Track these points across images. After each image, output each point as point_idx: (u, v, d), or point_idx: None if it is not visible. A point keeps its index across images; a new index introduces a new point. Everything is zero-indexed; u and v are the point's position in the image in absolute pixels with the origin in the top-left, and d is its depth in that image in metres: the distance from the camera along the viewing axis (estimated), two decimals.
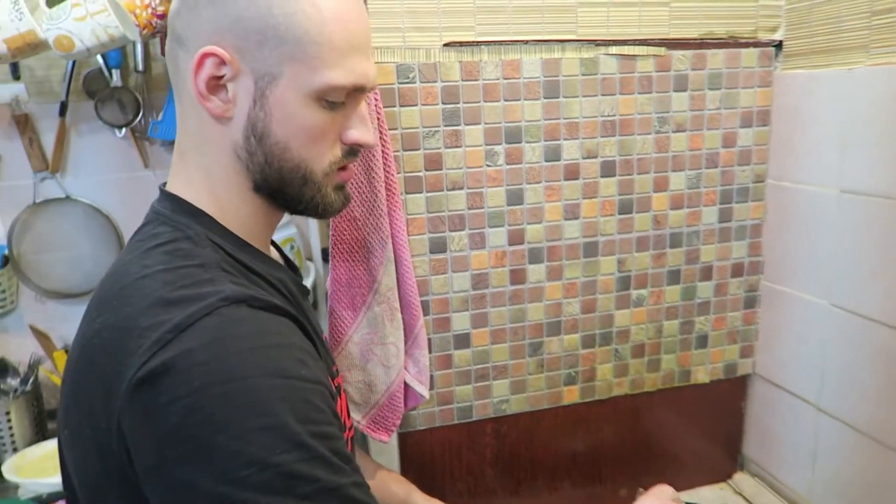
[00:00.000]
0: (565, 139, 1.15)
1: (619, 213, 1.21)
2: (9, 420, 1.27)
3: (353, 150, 0.68)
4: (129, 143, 1.48)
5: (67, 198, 1.49)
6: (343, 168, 0.69)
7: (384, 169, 1.04)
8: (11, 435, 1.27)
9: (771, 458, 1.33)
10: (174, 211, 0.64)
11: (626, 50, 1.14)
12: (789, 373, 1.26)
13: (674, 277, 1.27)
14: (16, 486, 1.16)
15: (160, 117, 1.49)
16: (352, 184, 1.04)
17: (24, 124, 1.43)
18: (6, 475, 1.17)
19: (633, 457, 1.33)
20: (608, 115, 1.16)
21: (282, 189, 0.65)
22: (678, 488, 0.95)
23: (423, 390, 1.13)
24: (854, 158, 1.06)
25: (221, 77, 0.60)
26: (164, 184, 0.69)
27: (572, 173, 1.17)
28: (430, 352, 1.16)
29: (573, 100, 1.14)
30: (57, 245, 1.48)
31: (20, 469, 1.19)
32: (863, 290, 1.07)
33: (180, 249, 0.60)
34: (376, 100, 1.03)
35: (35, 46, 1.15)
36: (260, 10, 0.58)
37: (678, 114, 1.19)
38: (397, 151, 1.09)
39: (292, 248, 1.57)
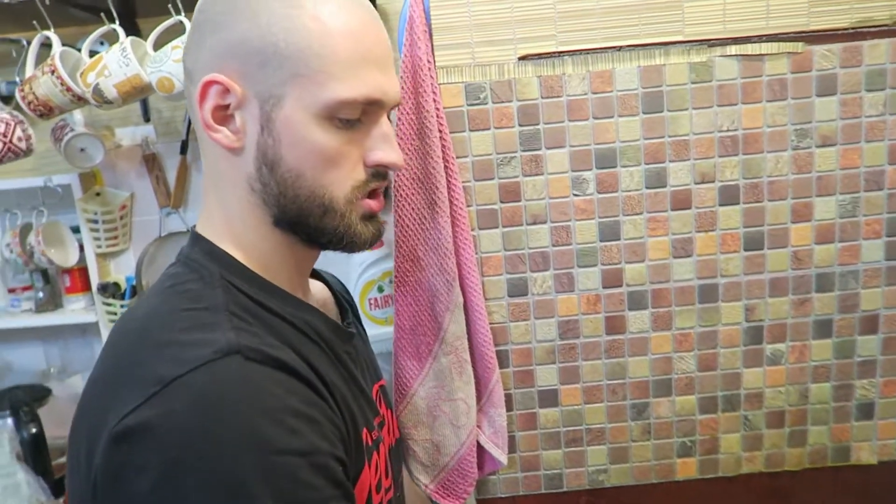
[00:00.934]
0: (672, 161, 0.96)
1: (746, 250, 0.98)
2: None
3: (378, 173, 0.61)
4: None
5: (189, 231, 1.56)
6: (371, 195, 0.61)
7: (450, 202, 0.93)
8: None
9: None
10: (193, 250, 0.62)
11: (751, 49, 0.93)
12: None
13: (823, 329, 1.00)
14: None
15: None
16: (413, 219, 0.94)
17: (152, 163, 1.51)
18: None
19: None
20: (728, 131, 0.95)
21: (302, 221, 0.59)
22: None
23: (501, 455, 0.99)
24: None
25: (227, 106, 0.56)
26: (192, 227, 0.67)
27: (682, 202, 0.97)
28: (509, 410, 1.02)
29: (681, 113, 0.94)
30: None
31: None
32: None
33: (189, 291, 0.57)
34: (440, 125, 0.92)
35: (141, 90, 1.19)
36: (260, 29, 0.54)
37: (824, 124, 0.94)
38: (468, 182, 0.97)
39: (391, 282, 1.51)
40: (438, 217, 0.92)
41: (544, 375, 1.02)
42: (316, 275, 0.78)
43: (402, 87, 0.92)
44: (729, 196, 0.97)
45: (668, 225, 0.97)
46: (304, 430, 0.50)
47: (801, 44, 0.92)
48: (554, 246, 0.98)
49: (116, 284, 1.49)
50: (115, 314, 1.43)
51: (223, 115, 0.57)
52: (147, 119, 1.51)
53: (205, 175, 0.63)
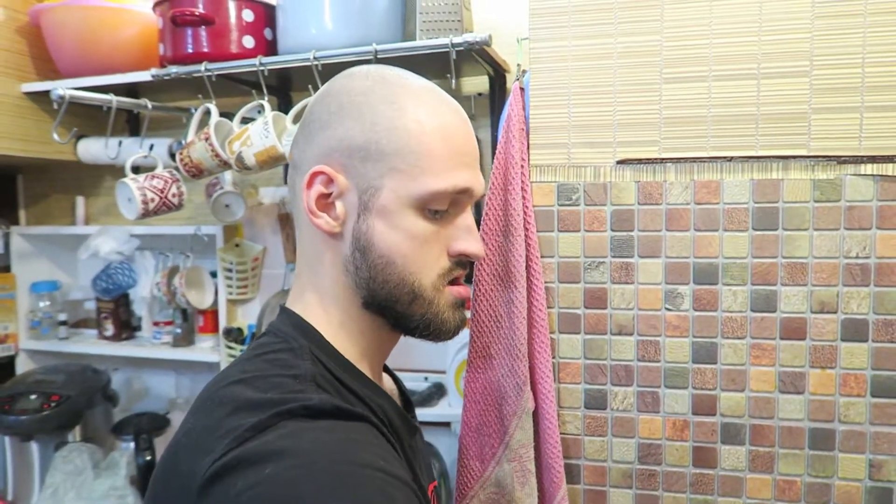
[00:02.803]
0: (784, 284, 0.85)
1: (874, 396, 0.84)
2: None
3: (461, 262, 0.65)
4: None
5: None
6: (454, 282, 0.65)
7: (529, 302, 0.90)
8: None
9: None
10: (285, 324, 0.65)
11: (893, 169, 0.81)
12: None
13: None
14: None
15: None
16: (490, 316, 0.91)
17: (285, 222, 1.63)
18: None
19: None
20: (857, 257, 0.83)
21: (391, 306, 0.63)
22: None
23: None
24: None
25: (330, 195, 0.62)
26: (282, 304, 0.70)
27: (795, 331, 0.85)
28: None
29: (800, 234, 0.84)
30: None
31: None
32: None
33: (280, 360, 0.60)
34: (527, 224, 0.90)
35: (276, 159, 1.30)
36: (364, 127, 0.60)
37: None
38: (551, 283, 0.93)
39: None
40: (515, 318, 0.89)
41: (618, 500, 0.93)
42: (384, 367, 0.79)
43: (492, 183, 0.92)
44: (855, 331, 0.84)
45: (775, 354, 0.86)
46: (394, 463, 0.52)
47: None
48: (640, 360, 0.91)
49: (240, 330, 1.61)
50: (235, 357, 1.54)
51: (325, 202, 0.62)
52: (286, 181, 1.64)
53: (300, 256, 0.67)
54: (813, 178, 0.83)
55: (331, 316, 0.64)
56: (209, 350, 1.63)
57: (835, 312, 0.84)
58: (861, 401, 0.84)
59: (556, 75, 0.90)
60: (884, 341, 0.83)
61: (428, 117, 0.60)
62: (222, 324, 1.62)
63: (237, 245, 1.66)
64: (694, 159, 0.86)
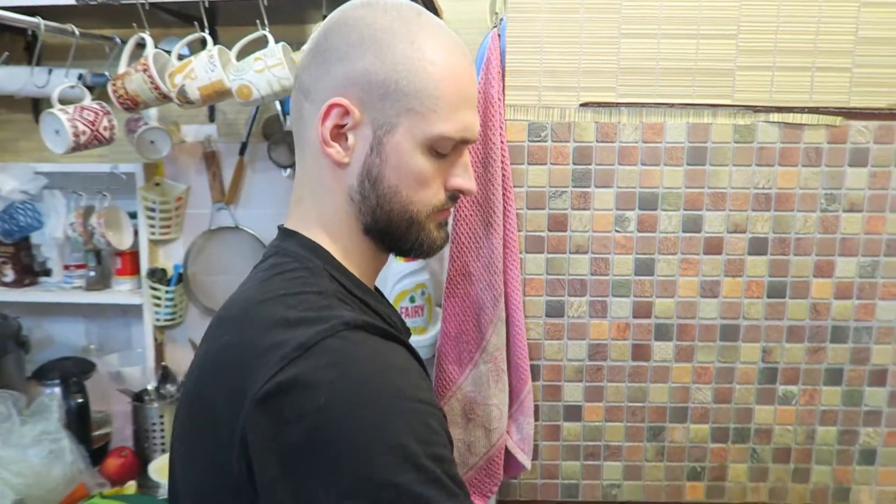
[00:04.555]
0: (708, 210, 1.05)
1: (768, 297, 1.07)
2: (162, 423, 1.40)
3: (454, 197, 0.70)
4: (293, 183, 1.60)
5: (237, 227, 1.64)
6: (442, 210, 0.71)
7: (504, 226, 1.03)
8: (162, 437, 1.40)
9: None
10: (294, 245, 0.68)
11: (793, 118, 1.02)
12: None
13: (834, 377, 1.09)
14: (157, 486, 1.27)
15: None
16: (469, 237, 1.03)
17: (211, 160, 1.60)
18: (151, 475, 1.29)
19: None
20: (763, 188, 1.04)
21: (389, 230, 0.68)
22: None
23: (526, 460, 1.07)
24: None
25: (343, 126, 0.64)
26: (280, 225, 0.73)
27: (714, 248, 1.06)
28: (536, 420, 1.10)
29: (722, 169, 1.04)
30: (224, 269, 1.62)
31: (163, 470, 1.30)
32: None
33: (300, 277, 0.63)
34: (503, 156, 1.02)
35: (221, 94, 1.28)
36: (384, 66, 0.63)
37: (853, 192, 1.04)
38: (521, 209, 1.06)
39: (423, 293, 1.59)
40: (492, 238, 1.01)
41: (571, 392, 1.11)
42: None
43: None
44: (758, 247, 1.06)
45: (699, 267, 1.07)
46: (425, 388, 0.58)
47: (840, 118, 1.02)
48: (592, 275, 1.07)
49: (164, 271, 1.56)
50: (160, 298, 1.50)
51: (337, 133, 0.64)
52: (212, 119, 1.60)
53: (302, 183, 0.70)
54: (734, 123, 1.03)
55: (336, 240, 0.68)
56: (128, 293, 1.57)
57: (744, 232, 1.06)
58: (759, 301, 1.07)
59: (531, 25, 1.02)
60: (778, 254, 1.06)
61: (444, 60, 0.64)
62: (144, 265, 1.57)
63: (158, 184, 1.61)
64: (643, 104, 1.03)
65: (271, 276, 0.63)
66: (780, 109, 1.02)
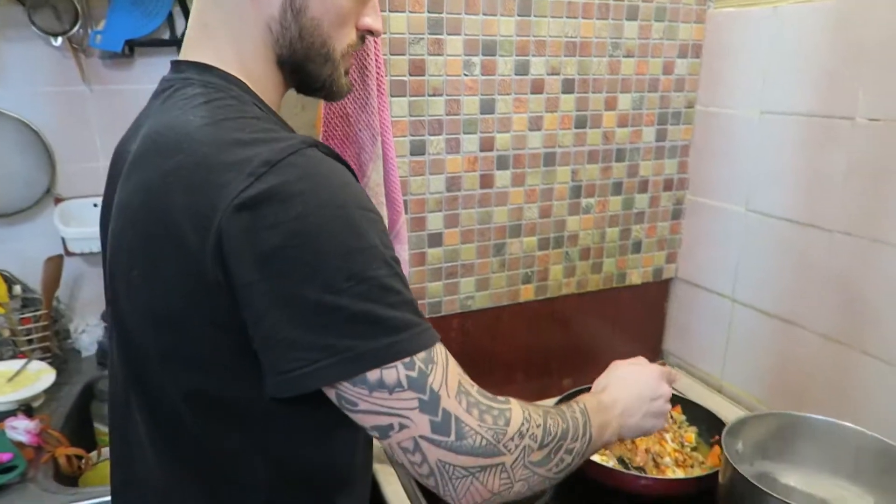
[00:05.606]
0: (534, 55, 1.27)
1: (576, 128, 1.35)
2: None
3: (362, 37, 0.76)
4: (65, 54, 1.42)
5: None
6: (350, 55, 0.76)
7: (377, 70, 1.11)
8: None
9: (688, 349, 1.55)
10: (207, 76, 0.67)
11: None
12: (708, 273, 1.47)
13: (617, 189, 1.43)
14: None
15: (102, 26, 1.44)
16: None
17: None
18: None
19: (574, 351, 1.51)
20: (571, 37, 1.29)
21: (304, 65, 0.71)
22: None
23: None
24: (774, 84, 1.26)
25: None
26: (175, 60, 0.71)
27: (538, 88, 1.29)
28: None
29: (542, 20, 1.25)
30: None
31: None
32: (776, 194, 1.28)
33: (230, 105, 0.63)
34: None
35: None
36: None
37: (628, 41, 1.34)
38: (385, 55, 1.15)
39: None
40: (368, 80, 1.09)
41: (433, 221, 1.28)
42: None
43: None
44: (568, 86, 1.32)
45: (527, 105, 1.29)
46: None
47: None
48: (447, 115, 1.23)
49: None
50: None
51: None
52: None
53: (208, 10, 0.69)
54: None
55: (249, 69, 0.69)
56: None
57: (559, 74, 1.30)
58: (569, 132, 1.35)
59: None
60: (581, 92, 1.33)
61: None
62: None
63: None
64: None
65: (199, 105, 0.63)
66: None
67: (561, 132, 1.34)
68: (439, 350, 0.61)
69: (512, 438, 0.62)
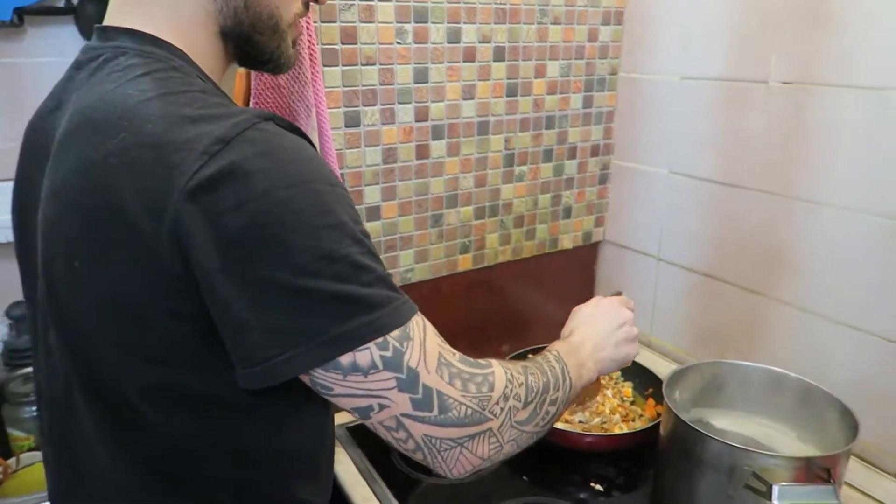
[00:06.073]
0: (465, 23, 1.25)
1: (507, 96, 1.35)
2: None
3: (307, 5, 0.73)
4: None
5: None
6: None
7: (308, 38, 1.06)
8: None
9: None
10: (141, 44, 0.61)
11: None
12: (634, 235, 1.54)
13: (548, 156, 1.46)
14: None
15: None
16: None
17: None
18: None
19: (511, 316, 1.54)
20: (500, 3, 1.28)
21: (251, 36, 0.67)
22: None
23: None
24: (693, 50, 1.31)
25: None
26: (101, 26, 0.65)
27: (470, 56, 1.28)
28: None
29: None
30: None
31: None
32: (697, 156, 1.35)
33: (172, 78, 0.58)
34: None
35: None
36: None
37: (556, 7, 1.35)
38: (316, 22, 1.11)
39: None
40: (300, 49, 1.05)
41: (371, 194, 1.25)
42: None
43: None
44: (499, 54, 1.32)
45: (460, 73, 1.28)
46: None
47: None
48: (381, 84, 1.20)
49: None
50: None
51: None
52: None
53: None
54: None
55: (187, 38, 0.63)
56: None
57: (490, 42, 1.30)
58: (501, 100, 1.35)
59: None
60: (512, 60, 1.34)
61: None
62: None
63: None
64: None
65: (137, 77, 0.58)
66: None
67: (493, 100, 1.34)
68: (416, 323, 0.60)
69: (497, 402, 0.62)
